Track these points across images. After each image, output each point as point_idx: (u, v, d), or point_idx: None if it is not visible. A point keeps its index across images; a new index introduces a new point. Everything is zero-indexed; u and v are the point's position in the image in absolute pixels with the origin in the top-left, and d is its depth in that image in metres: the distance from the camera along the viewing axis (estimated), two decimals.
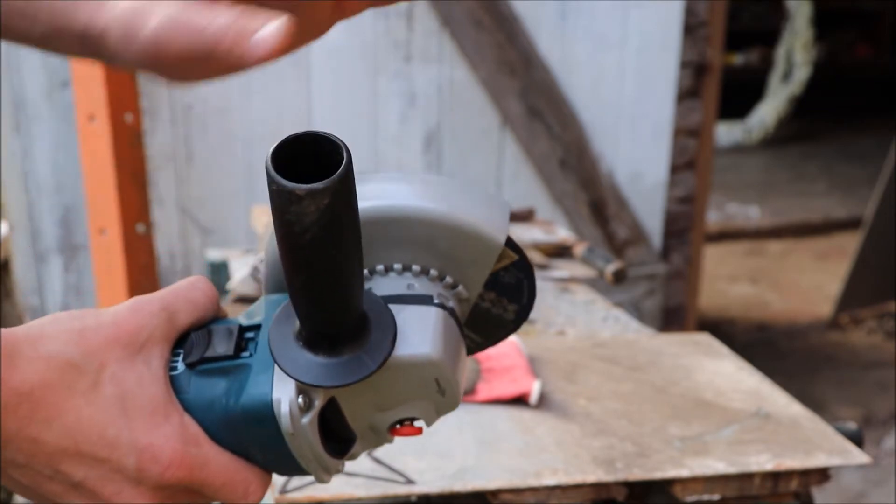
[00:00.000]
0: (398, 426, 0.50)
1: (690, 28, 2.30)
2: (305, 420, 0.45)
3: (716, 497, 0.72)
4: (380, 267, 0.47)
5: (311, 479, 0.66)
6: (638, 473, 0.70)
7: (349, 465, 0.68)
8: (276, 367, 0.45)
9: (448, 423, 0.75)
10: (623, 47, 2.22)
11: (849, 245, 3.99)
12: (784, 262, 4.25)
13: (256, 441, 0.46)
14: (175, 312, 0.48)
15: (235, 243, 1.99)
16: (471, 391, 0.90)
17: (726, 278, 3.98)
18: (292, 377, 0.44)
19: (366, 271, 0.46)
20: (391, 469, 0.68)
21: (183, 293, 0.48)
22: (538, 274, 1.44)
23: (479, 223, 0.45)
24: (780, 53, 6.10)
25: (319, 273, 0.42)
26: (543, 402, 0.86)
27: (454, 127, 2.13)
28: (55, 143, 1.83)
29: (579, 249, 1.50)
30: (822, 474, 0.75)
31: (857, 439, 0.78)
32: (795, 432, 0.77)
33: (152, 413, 0.46)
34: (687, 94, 2.35)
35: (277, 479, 0.66)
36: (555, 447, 0.73)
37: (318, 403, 0.45)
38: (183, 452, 0.46)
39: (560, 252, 1.51)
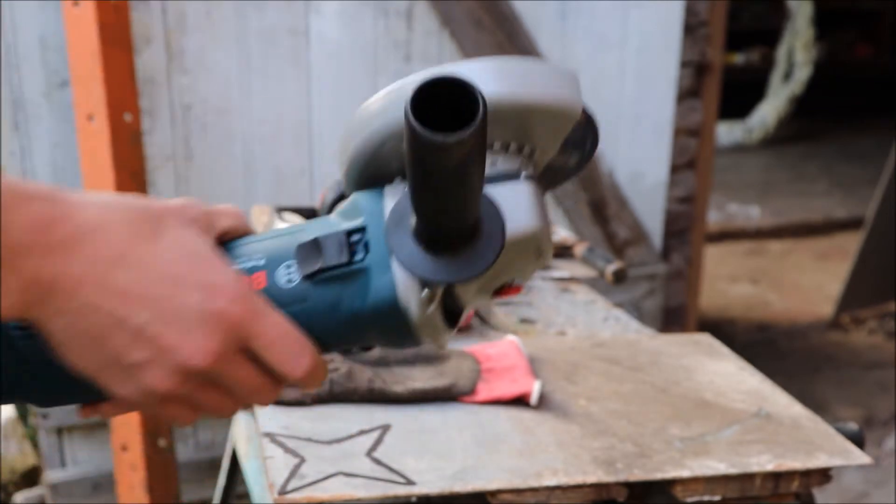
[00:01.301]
0: (501, 289, 0.53)
1: (691, 28, 2.30)
2: (430, 310, 0.48)
3: (716, 498, 0.72)
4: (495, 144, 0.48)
5: (310, 479, 0.66)
6: (638, 474, 0.70)
7: (348, 466, 0.68)
8: (395, 265, 0.47)
9: (448, 424, 0.75)
10: (623, 47, 2.22)
11: (849, 245, 3.98)
12: (785, 263, 4.24)
13: (382, 334, 0.50)
14: (214, 216, 0.50)
15: None
16: (471, 392, 0.90)
17: (727, 278, 3.97)
18: (426, 279, 0.46)
19: None
20: (391, 470, 0.68)
21: (219, 207, 0.51)
22: (538, 274, 1.44)
23: (561, 100, 0.47)
24: (781, 53, 6.09)
25: (453, 198, 0.44)
26: (543, 403, 0.86)
27: None
28: (54, 142, 1.83)
29: (579, 249, 1.50)
30: (824, 475, 0.74)
31: (858, 440, 0.78)
32: (796, 433, 0.77)
33: (213, 260, 0.47)
34: (687, 94, 2.35)
35: (277, 480, 0.66)
36: (555, 447, 0.73)
37: (439, 293, 0.48)
38: (246, 294, 0.47)
39: (560, 252, 1.51)
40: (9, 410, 2.32)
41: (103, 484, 1.98)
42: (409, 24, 2.02)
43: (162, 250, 0.46)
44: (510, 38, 2.09)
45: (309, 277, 0.49)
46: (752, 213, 4.77)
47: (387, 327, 0.49)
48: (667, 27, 2.24)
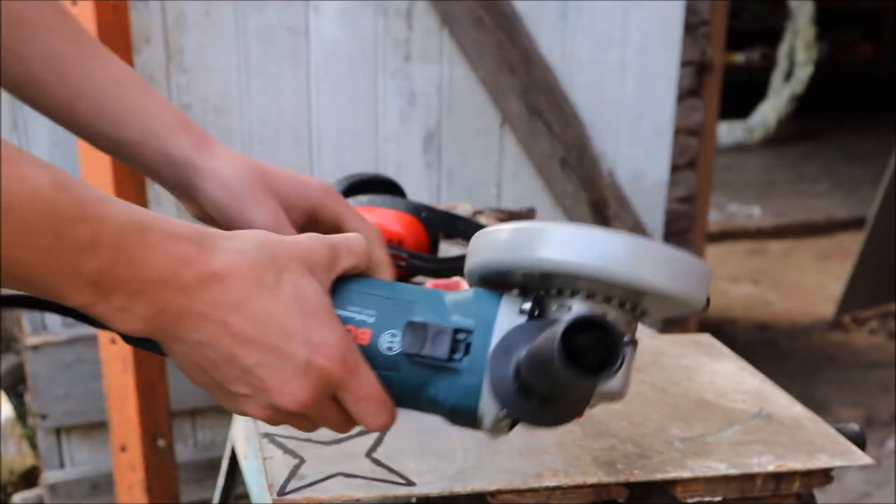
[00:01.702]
0: None
1: (692, 27, 2.30)
2: (502, 427, 0.54)
3: (717, 498, 0.71)
4: (582, 293, 0.52)
5: (310, 480, 0.65)
6: (639, 474, 0.69)
7: (348, 467, 0.68)
8: (486, 380, 0.51)
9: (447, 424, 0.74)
10: (624, 46, 2.22)
11: (851, 245, 3.98)
12: (786, 263, 4.24)
13: (451, 418, 0.55)
14: (339, 255, 0.56)
15: None
16: None
17: (727, 278, 3.97)
18: (510, 414, 0.51)
19: (568, 291, 0.52)
20: (391, 470, 0.68)
21: (346, 242, 0.57)
22: None
23: (689, 295, 0.51)
24: (782, 52, 6.08)
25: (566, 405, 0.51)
26: None
27: (454, 126, 2.12)
28: (53, 141, 1.83)
29: None
30: (825, 475, 0.74)
31: (859, 441, 0.77)
32: (797, 433, 0.77)
33: (324, 316, 0.53)
34: (688, 94, 2.35)
35: (276, 481, 0.65)
36: (555, 448, 0.72)
37: (499, 417, 0.53)
38: (346, 354, 0.52)
39: None
40: (7, 411, 2.31)
41: (102, 484, 1.98)
42: (408, 22, 2.01)
43: (278, 303, 0.52)
44: (510, 37, 2.09)
45: (408, 355, 0.53)
46: (752, 213, 4.77)
47: (457, 419, 0.54)
48: (667, 26, 2.24)
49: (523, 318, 0.52)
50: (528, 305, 0.52)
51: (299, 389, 0.52)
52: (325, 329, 0.53)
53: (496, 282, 0.55)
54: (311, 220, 0.74)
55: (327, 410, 0.54)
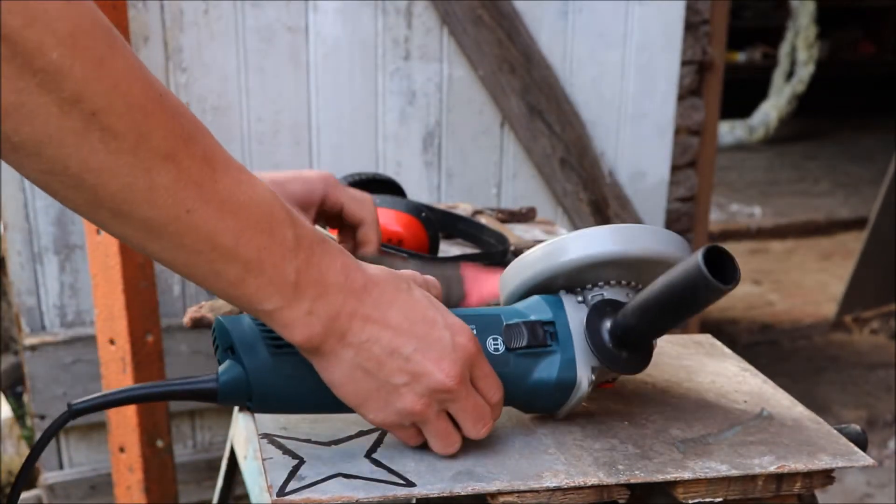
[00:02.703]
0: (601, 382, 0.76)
1: (692, 26, 2.29)
2: (591, 388, 0.71)
3: (718, 499, 0.71)
4: (613, 280, 0.72)
5: (309, 480, 0.65)
6: (640, 475, 0.69)
7: (348, 467, 0.67)
8: (576, 354, 0.69)
9: None
10: (624, 45, 2.21)
11: (853, 245, 3.98)
12: (787, 263, 4.23)
13: (548, 397, 0.70)
14: (428, 285, 0.69)
15: None
16: (462, 296, 0.91)
17: None
18: (610, 368, 0.70)
19: (601, 282, 0.72)
20: (390, 471, 0.67)
21: (429, 278, 0.69)
22: None
23: (673, 254, 0.69)
24: (783, 51, 6.08)
25: (682, 319, 0.67)
26: None
27: (454, 125, 2.12)
28: None
29: None
30: (826, 476, 0.73)
31: (860, 441, 0.77)
32: (799, 434, 0.76)
33: (448, 311, 0.65)
34: (689, 93, 2.34)
35: (276, 481, 0.65)
36: (555, 449, 0.72)
37: (594, 380, 0.70)
38: (474, 337, 0.65)
39: None
40: (6, 411, 2.31)
41: (101, 485, 1.97)
42: (408, 21, 2.01)
43: (416, 301, 0.63)
44: (510, 36, 2.08)
45: (511, 350, 0.68)
46: (754, 213, 4.76)
47: (556, 397, 0.70)
48: (668, 25, 2.23)
49: (583, 306, 0.71)
50: (580, 298, 0.71)
51: (451, 366, 0.62)
52: (453, 317, 0.64)
53: (542, 289, 0.72)
54: (320, 212, 0.87)
55: (470, 393, 0.64)
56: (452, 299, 0.91)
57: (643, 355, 0.71)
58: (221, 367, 0.65)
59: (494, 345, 0.69)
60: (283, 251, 0.57)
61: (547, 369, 0.69)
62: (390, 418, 0.63)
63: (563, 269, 0.70)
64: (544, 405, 0.72)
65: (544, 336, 0.69)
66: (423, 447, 0.70)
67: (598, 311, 0.70)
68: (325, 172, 0.90)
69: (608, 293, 0.71)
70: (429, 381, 0.62)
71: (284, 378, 0.65)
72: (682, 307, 0.64)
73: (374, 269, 0.63)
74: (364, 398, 0.62)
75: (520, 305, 0.72)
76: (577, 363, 0.69)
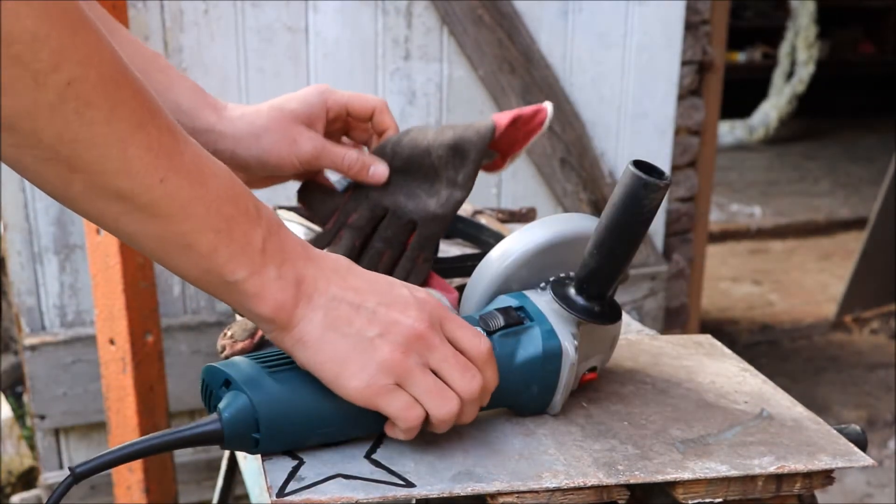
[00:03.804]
0: (586, 373, 0.78)
1: (692, 26, 2.29)
2: (577, 354, 0.73)
3: (718, 500, 0.71)
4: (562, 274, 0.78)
5: (309, 481, 0.65)
6: (639, 476, 0.69)
7: (347, 468, 0.67)
8: (553, 325, 0.72)
9: None
10: (625, 45, 2.21)
11: (853, 245, 3.98)
12: (787, 263, 4.23)
13: (540, 375, 0.72)
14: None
15: None
16: (493, 126, 0.88)
17: (729, 279, 3.97)
18: (586, 318, 0.72)
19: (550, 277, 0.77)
20: (390, 471, 0.67)
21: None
22: None
23: (587, 230, 0.76)
24: (783, 51, 6.08)
25: (634, 243, 0.69)
26: None
27: None
28: None
29: None
30: (826, 477, 0.73)
31: (860, 442, 0.77)
32: (799, 434, 0.76)
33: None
34: (689, 93, 2.34)
35: (275, 482, 0.65)
36: (555, 449, 0.72)
37: (578, 346, 0.73)
38: (432, 296, 0.67)
39: None
40: (6, 412, 2.31)
41: (101, 485, 1.97)
42: (408, 21, 2.01)
43: (370, 272, 0.66)
44: (510, 36, 2.08)
45: (492, 333, 0.71)
46: (754, 213, 4.76)
47: (546, 370, 0.72)
48: (668, 25, 2.23)
49: (544, 290, 0.75)
50: (540, 287, 0.76)
51: (416, 313, 0.63)
52: (411, 285, 0.67)
53: (502, 292, 0.76)
54: (329, 122, 0.88)
55: (444, 343, 0.64)
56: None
57: (613, 304, 0.74)
58: (222, 402, 0.64)
59: None
60: (249, 219, 0.59)
61: (531, 344, 0.72)
62: (374, 379, 0.62)
63: (512, 266, 0.75)
64: (541, 387, 0.73)
65: (518, 316, 0.72)
66: (423, 445, 0.70)
67: (559, 282, 0.75)
68: (320, 84, 0.89)
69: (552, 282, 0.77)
70: (400, 328, 0.62)
71: (289, 394, 0.64)
72: (631, 222, 0.67)
73: (324, 251, 0.66)
74: (342, 363, 0.62)
75: (488, 306, 0.75)
76: (557, 331, 0.72)
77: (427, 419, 0.65)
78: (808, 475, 0.72)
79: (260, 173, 0.89)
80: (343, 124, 0.92)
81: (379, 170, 0.89)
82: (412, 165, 0.90)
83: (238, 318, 0.94)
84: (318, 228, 1.01)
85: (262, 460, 0.67)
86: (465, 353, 0.66)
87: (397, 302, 0.64)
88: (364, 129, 0.93)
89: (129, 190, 0.53)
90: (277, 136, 0.84)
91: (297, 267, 0.61)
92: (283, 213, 1.03)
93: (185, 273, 0.59)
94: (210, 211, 0.56)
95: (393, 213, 0.89)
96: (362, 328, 0.62)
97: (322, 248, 0.85)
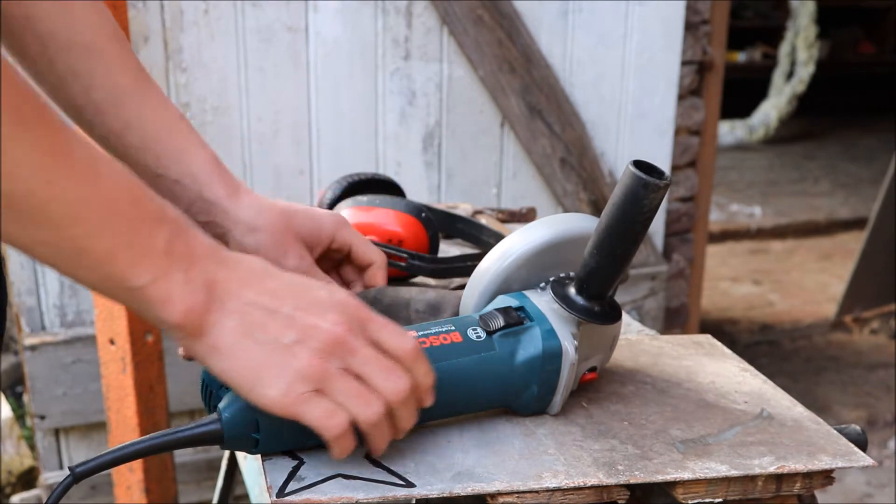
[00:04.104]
0: (586, 373, 0.78)
1: (692, 26, 2.29)
2: (575, 355, 0.72)
3: (718, 500, 0.71)
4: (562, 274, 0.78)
5: (309, 481, 0.65)
6: (639, 476, 0.69)
7: (347, 468, 0.67)
8: (553, 325, 0.72)
9: (448, 425, 0.74)
10: (625, 45, 2.21)
11: (853, 245, 3.98)
12: (787, 263, 4.23)
13: (540, 375, 0.72)
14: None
15: None
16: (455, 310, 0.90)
17: (729, 279, 3.96)
18: (586, 318, 0.72)
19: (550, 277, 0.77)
20: (390, 471, 0.67)
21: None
22: None
23: (588, 229, 0.76)
24: (783, 51, 6.08)
25: (634, 243, 0.69)
26: None
27: (454, 125, 2.11)
28: None
29: None
30: (826, 477, 0.73)
31: (860, 442, 0.77)
32: (799, 434, 0.76)
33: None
34: (689, 93, 2.34)
35: (275, 482, 0.65)
36: (555, 449, 0.72)
37: (578, 346, 0.73)
38: (354, 297, 0.64)
39: None
40: (6, 412, 2.31)
41: (101, 485, 1.97)
42: (408, 21, 2.01)
43: (289, 273, 0.63)
44: (510, 36, 2.08)
45: (492, 332, 0.71)
46: (754, 213, 4.76)
47: (547, 369, 0.72)
48: (668, 25, 2.23)
49: (544, 290, 0.76)
50: (540, 287, 0.76)
51: (337, 317, 0.60)
52: (331, 284, 0.65)
53: (502, 292, 0.76)
54: (328, 250, 0.87)
55: (366, 346, 0.61)
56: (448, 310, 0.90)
57: (613, 304, 0.74)
58: (222, 403, 0.64)
59: (476, 333, 0.71)
60: (150, 221, 0.56)
61: (531, 344, 0.71)
62: (292, 388, 0.59)
63: (512, 266, 0.75)
64: (541, 387, 0.73)
65: (518, 316, 0.72)
66: (423, 445, 0.70)
67: (559, 282, 0.75)
68: (339, 214, 0.87)
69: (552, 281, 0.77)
70: (317, 334, 0.60)
71: None
72: (631, 222, 0.67)
73: (240, 253, 0.63)
74: (258, 371, 0.59)
75: (488, 306, 0.75)
76: (557, 331, 0.72)
77: (363, 432, 0.63)
78: (808, 475, 0.72)
79: None
80: (341, 257, 0.90)
81: None
82: (389, 313, 0.91)
83: None
84: None
85: (262, 460, 0.67)
86: (390, 353, 0.62)
87: (316, 305, 0.61)
88: (352, 270, 0.91)
89: (14, 193, 0.50)
90: (271, 240, 0.81)
91: (208, 270, 0.58)
92: None
93: (85, 280, 0.56)
94: (104, 213, 0.53)
95: None
96: (278, 334, 0.59)
97: None
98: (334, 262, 0.90)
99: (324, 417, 0.60)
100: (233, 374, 0.59)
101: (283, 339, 0.59)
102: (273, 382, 0.59)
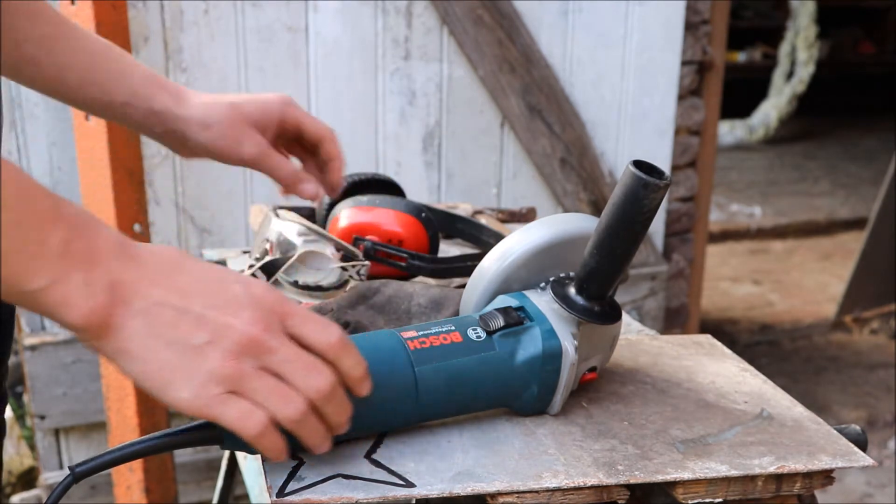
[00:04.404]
0: (586, 373, 0.78)
1: (692, 26, 2.29)
2: (575, 355, 0.73)
3: (718, 500, 0.71)
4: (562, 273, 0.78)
5: (309, 481, 0.65)
6: (639, 476, 0.69)
7: (347, 468, 0.67)
8: (553, 325, 0.72)
9: (447, 425, 0.74)
10: (625, 45, 2.21)
11: (853, 245, 3.98)
12: (787, 263, 4.23)
13: (540, 375, 0.72)
14: None
15: (233, 243, 1.98)
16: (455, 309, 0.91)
17: (729, 279, 3.97)
18: (587, 319, 0.72)
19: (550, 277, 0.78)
20: (390, 471, 0.67)
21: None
22: None
23: (588, 229, 0.76)
24: (783, 51, 6.08)
25: (634, 243, 0.69)
26: None
27: (454, 125, 2.11)
28: (51, 141, 1.83)
29: None
30: (826, 477, 0.73)
31: (860, 442, 0.77)
32: (799, 434, 0.76)
33: (240, 273, 0.63)
34: (689, 93, 2.34)
35: (275, 482, 0.65)
36: (555, 449, 0.72)
37: (578, 346, 0.73)
38: (274, 288, 0.61)
39: None
40: (6, 412, 2.31)
41: (101, 485, 1.97)
42: (408, 21, 2.01)
43: (202, 265, 0.60)
44: (510, 36, 2.08)
45: (492, 332, 0.71)
46: (754, 213, 4.76)
47: (547, 369, 0.72)
48: (668, 25, 2.23)
49: (544, 290, 0.76)
50: (540, 287, 0.76)
51: (249, 315, 0.58)
52: (247, 276, 0.62)
53: (502, 291, 0.76)
54: (280, 131, 0.90)
55: (285, 343, 0.59)
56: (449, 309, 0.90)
57: (613, 304, 0.75)
58: None
59: (476, 333, 0.71)
60: (43, 222, 0.53)
61: (532, 344, 0.72)
62: (204, 390, 0.57)
63: (512, 266, 0.75)
64: (541, 387, 0.73)
65: (518, 316, 0.72)
66: (423, 445, 0.70)
67: (559, 282, 0.75)
68: (284, 95, 0.91)
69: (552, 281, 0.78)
70: (230, 333, 0.57)
71: None
72: (631, 222, 0.67)
73: (152, 245, 0.60)
74: (169, 374, 0.57)
75: (488, 306, 0.76)
76: (557, 331, 0.72)
77: (290, 431, 0.61)
78: (808, 475, 0.72)
79: (209, 158, 0.91)
80: (289, 141, 0.94)
81: (309, 188, 0.92)
82: (391, 304, 0.91)
83: None
84: (319, 229, 1.01)
85: (262, 460, 0.67)
86: (312, 347, 0.60)
87: (229, 303, 0.58)
88: (309, 155, 0.95)
89: None
90: (225, 131, 0.85)
91: (112, 270, 0.55)
92: (283, 214, 1.03)
93: None
94: None
95: (353, 329, 0.89)
96: (189, 335, 0.57)
97: None
98: (286, 143, 0.94)
99: (240, 418, 0.58)
100: (143, 377, 0.57)
101: (194, 340, 0.57)
102: (184, 384, 0.57)
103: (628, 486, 0.69)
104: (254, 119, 0.88)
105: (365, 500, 0.64)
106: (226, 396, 0.57)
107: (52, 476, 1.97)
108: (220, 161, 0.90)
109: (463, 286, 0.96)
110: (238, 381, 0.57)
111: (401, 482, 0.66)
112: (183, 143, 0.87)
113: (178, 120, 0.85)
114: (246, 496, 1.28)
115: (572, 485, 0.67)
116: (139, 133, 0.90)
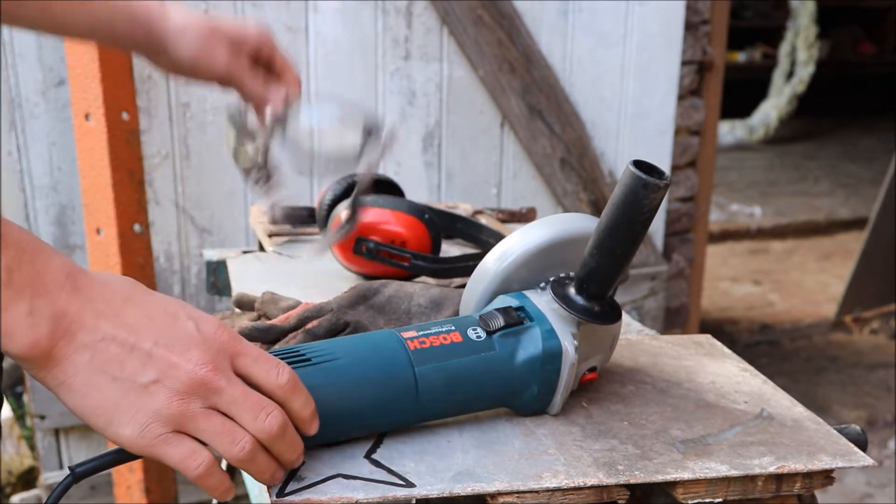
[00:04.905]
0: (586, 373, 0.78)
1: (692, 26, 2.29)
2: (575, 355, 0.73)
3: (718, 500, 0.71)
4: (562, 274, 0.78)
5: (309, 481, 0.65)
6: (639, 476, 0.69)
7: (347, 468, 0.67)
8: (553, 325, 0.72)
9: (447, 425, 0.74)
10: (625, 45, 2.21)
11: (853, 245, 3.98)
12: (787, 263, 4.23)
13: (540, 375, 0.72)
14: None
15: (233, 243, 1.98)
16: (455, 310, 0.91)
17: (729, 279, 3.97)
18: (587, 319, 0.72)
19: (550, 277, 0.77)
20: (390, 471, 0.67)
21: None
22: None
23: (587, 229, 0.76)
24: (783, 51, 6.08)
25: (634, 243, 0.69)
26: None
27: (454, 125, 2.11)
28: (51, 141, 1.83)
29: None
30: (826, 477, 0.73)
31: (860, 442, 0.77)
32: (799, 434, 0.76)
33: (191, 306, 0.60)
34: (689, 93, 2.34)
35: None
36: (555, 449, 0.72)
37: (578, 346, 0.73)
38: (226, 326, 0.59)
39: None
40: (6, 412, 2.31)
41: (101, 485, 1.97)
42: (408, 21, 2.01)
43: (153, 297, 0.58)
44: (510, 36, 2.08)
45: (492, 333, 0.71)
46: (754, 213, 4.76)
47: (547, 369, 0.72)
48: (668, 25, 2.23)
49: (544, 290, 0.75)
50: (540, 287, 0.76)
51: (201, 355, 0.56)
52: (199, 311, 0.60)
53: (502, 291, 0.76)
54: (254, 56, 0.93)
55: (235, 383, 0.58)
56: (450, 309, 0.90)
57: (613, 304, 0.75)
58: None
59: (476, 333, 0.71)
60: None
61: (532, 344, 0.72)
62: (148, 430, 0.55)
63: (512, 266, 0.75)
64: (541, 387, 0.73)
65: (518, 316, 0.72)
66: (423, 445, 0.70)
67: (559, 282, 0.75)
68: (264, 29, 0.96)
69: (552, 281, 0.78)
70: (179, 374, 0.56)
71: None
72: (631, 222, 0.67)
73: (104, 274, 0.58)
74: (113, 410, 0.55)
75: (488, 306, 0.76)
76: (557, 331, 0.72)
77: (239, 468, 0.61)
78: (808, 475, 0.72)
79: (183, 73, 0.94)
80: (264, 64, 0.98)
81: (278, 107, 0.95)
82: (391, 304, 0.92)
83: (236, 310, 0.94)
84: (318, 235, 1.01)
85: None
86: (261, 388, 0.59)
87: (178, 341, 0.56)
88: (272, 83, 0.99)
89: None
90: (199, 43, 0.89)
91: (58, 301, 0.53)
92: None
93: None
94: None
95: (353, 330, 0.89)
96: (135, 372, 0.55)
97: (273, 342, 0.85)
98: (265, 68, 0.97)
99: (183, 459, 0.57)
100: (84, 412, 0.56)
101: (140, 378, 0.55)
102: (128, 423, 0.55)
103: (628, 486, 0.69)
104: (230, 37, 0.92)
105: (365, 500, 0.64)
106: (170, 436, 0.56)
107: (52, 476, 1.97)
108: (195, 77, 0.93)
109: (463, 286, 0.97)
110: (184, 421, 0.56)
111: (401, 482, 0.66)
112: (161, 53, 0.90)
113: (158, 29, 0.88)
114: (246, 496, 1.28)
115: (572, 485, 0.67)
116: (124, 49, 0.95)
